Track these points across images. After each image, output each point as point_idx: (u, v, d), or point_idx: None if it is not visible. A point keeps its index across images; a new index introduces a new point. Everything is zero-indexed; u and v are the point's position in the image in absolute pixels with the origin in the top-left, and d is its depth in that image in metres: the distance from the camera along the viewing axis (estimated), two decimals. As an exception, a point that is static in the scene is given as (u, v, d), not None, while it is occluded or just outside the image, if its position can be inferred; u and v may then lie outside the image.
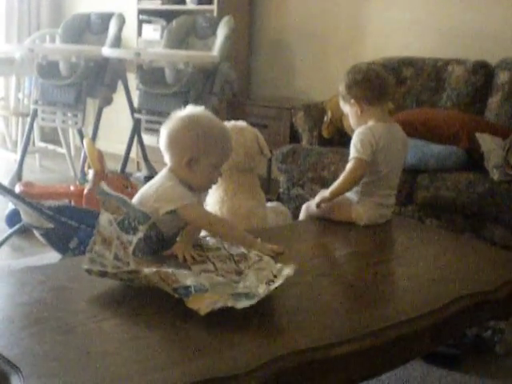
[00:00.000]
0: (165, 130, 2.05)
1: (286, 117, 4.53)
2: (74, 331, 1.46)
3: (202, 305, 1.54)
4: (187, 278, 1.64)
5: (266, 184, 4.72)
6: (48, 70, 4.94)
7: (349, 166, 2.48)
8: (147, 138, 5.11)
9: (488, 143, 3.42)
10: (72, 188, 4.03)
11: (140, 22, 5.56)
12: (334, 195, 2.50)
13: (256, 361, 1.37)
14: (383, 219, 2.54)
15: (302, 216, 2.69)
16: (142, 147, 5.20)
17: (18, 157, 5.11)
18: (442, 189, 3.31)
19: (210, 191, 3.04)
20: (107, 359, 1.36)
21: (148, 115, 4.64)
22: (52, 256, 3.05)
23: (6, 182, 4.36)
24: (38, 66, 4.95)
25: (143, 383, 1.27)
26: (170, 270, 1.68)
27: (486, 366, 2.47)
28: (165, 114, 4.37)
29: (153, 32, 5.47)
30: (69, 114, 4.93)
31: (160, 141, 2.07)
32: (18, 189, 3.79)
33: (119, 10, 5.23)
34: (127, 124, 5.07)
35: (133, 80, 4.89)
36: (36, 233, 3.07)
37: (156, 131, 4.61)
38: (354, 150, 2.47)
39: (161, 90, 4.57)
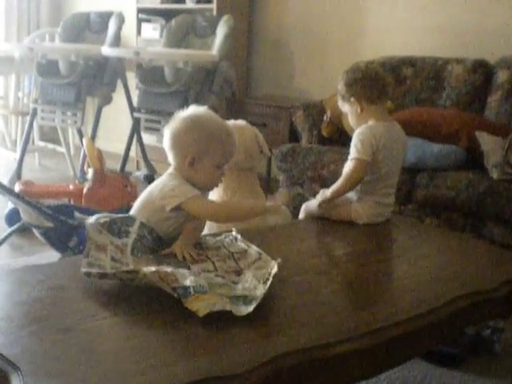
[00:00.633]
0: (168, 131, 2.07)
1: (286, 116, 4.53)
2: (74, 330, 1.46)
3: (201, 306, 1.54)
4: (186, 278, 1.64)
5: (266, 183, 4.72)
6: (47, 68, 4.94)
7: (350, 166, 2.48)
8: (147, 137, 5.11)
9: (488, 142, 3.42)
10: (71, 187, 4.04)
11: (139, 21, 5.57)
12: (335, 195, 2.50)
13: (255, 359, 1.37)
14: (382, 218, 2.54)
15: (301, 215, 2.69)
16: (141, 146, 5.20)
17: (17, 156, 5.11)
18: (441, 188, 3.31)
19: (210, 190, 3.05)
20: (106, 358, 1.36)
21: (147, 114, 4.65)
22: (51, 255, 3.05)
23: (5, 181, 4.37)
24: (37, 65, 4.95)
25: (142, 382, 1.27)
26: (169, 270, 1.68)
27: (485, 365, 2.47)
28: (164, 113, 4.43)
29: (152, 31, 5.47)
30: (68, 113, 4.93)
31: (164, 141, 2.08)
32: (17, 188, 3.79)
33: (118, 9, 5.23)
34: (127, 123, 5.07)
35: (132, 79, 4.90)
36: (35, 232, 3.07)
37: (155, 130, 4.62)
38: (354, 151, 2.47)
39: (160, 88, 4.57)
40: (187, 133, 2.04)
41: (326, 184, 2.75)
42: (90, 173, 3.88)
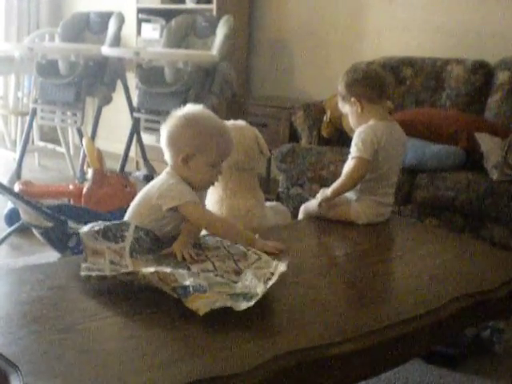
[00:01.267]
0: (164, 129, 2.08)
1: (286, 116, 4.53)
2: (73, 330, 1.46)
3: (201, 305, 1.54)
4: (186, 278, 1.64)
5: (266, 183, 4.72)
6: (47, 68, 4.94)
7: (351, 165, 2.48)
8: (146, 137, 5.11)
9: (487, 143, 3.42)
10: (71, 187, 4.03)
11: (139, 21, 5.56)
12: (336, 194, 2.50)
13: (255, 360, 1.37)
14: (382, 218, 2.54)
15: (300, 216, 2.69)
16: (141, 146, 5.20)
17: (17, 156, 5.11)
18: (441, 188, 3.31)
19: (210, 190, 3.04)
20: (106, 358, 1.36)
21: (147, 114, 4.64)
22: (51, 255, 3.05)
23: (5, 181, 4.37)
24: (37, 65, 4.95)
25: (142, 382, 1.27)
26: (168, 270, 1.68)
27: (485, 365, 2.47)
28: (164, 113, 4.41)
29: (152, 31, 5.47)
30: (68, 113, 4.93)
31: (160, 140, 2.09)
32: (17, 188, 3.79)
33: (118, 9, 5.22)
34: (126, 123, 5.06)
35: (132, 79, 4.90)
36: (35, 232, 3.07)
37: (155, 130, 4.61)
38: (355, 149, 2.47)
39: (160, 89, 4.56)
40: (182, 131, 2.05)
41: (325, 184, 2.75)
42: (89, 173, 3.88)
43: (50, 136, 6.21)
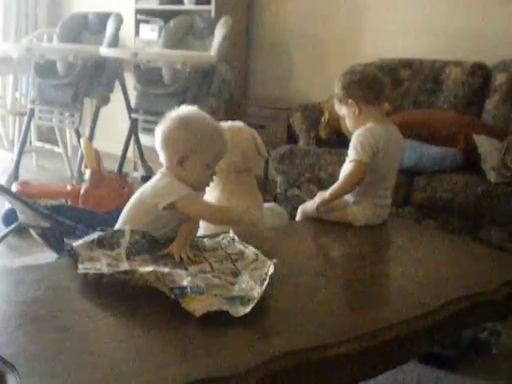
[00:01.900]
0: (158, 131, 2.09)
1: (284, 117, 4.53)
2: (70, 330, 1.46)
3: (198, 306, 1.54)
4: (183, 279, 1.64)
5: (263, 185, 4.71)
6: (45, 69, 4.94)
7: (349, 168, 2.47)
8: (144, 138, 5.10)
9: (485, 145, 3.42)
10: (69, 187, 4.03)
11: (137, 22, 5.56)
12: (334, 197, 2.49)
13: (252, 361, 1.36)
14: (379, 220, 2.54)
15: (298, 217, 2.69)
16: (138, 147, 5.20)
17: (14, 156, 5.11)
18: (438, 190, 3.31)
19: (207, 192, 3.03)
20: (103, 359, 1.36)
21: (145, 115, 4.64)
22: (48, 255, 3.04)
23: (2, 181, 4.36)
24: (35, 66, 4.94)
25: (139, 383, 1.27)
26: (166, 270, 1.68)
27: (483, 367, 2.47)
28: (162, 114, 4.32)
29: (150, 32, 5.47)
30: (66, 114, 4.92)
31: (155, 141, 2.09)
32: (14, 188, 3.79)
33: (117, 10, 5.22)
34: (124, 124, 5.06)
35: (130, 80, 4.89)
36: (32, 232, 3.06)
37: (153, 131, 4.52)
38: (354, 152, 2.46)
39: (158, 90, 4.56)
40: (176, 131, 2.06)
41: (323, 186, 2.75)
42: (87, 173, 3.88)
43: (47, 136, 6.21)
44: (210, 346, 1.43)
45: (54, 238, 2.93)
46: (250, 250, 1.94)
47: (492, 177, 3.24)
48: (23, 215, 3.02)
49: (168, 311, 1.58)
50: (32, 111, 5.01)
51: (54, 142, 5.76)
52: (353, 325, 1.62)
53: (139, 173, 5.20)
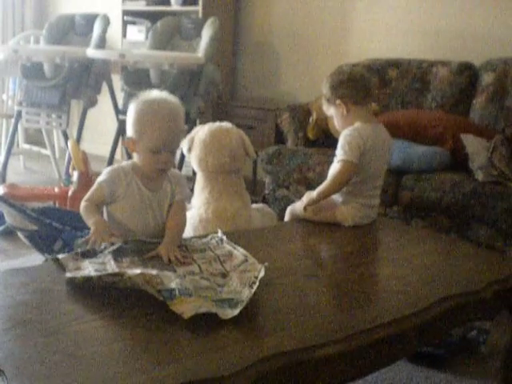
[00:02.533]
0: None
1: (271, 118, 4.54)
2: (58, 333, 1.45)
3: (186, 308, 1.53)
4: (172, 281, 1.64)
5: (252, 185, 4.72)
6: (32, 71, 4.92)
7: (337, 168, 2.47)
8: (132, 140, 5.08)
9: (472, 144, 3.44)
10: (56, 190, 4.02)
11: (124, 23, 5.55)
12: (322, 197, 2.50)
13: (242, 362, 1.36)
14: (368, 220, 2.54)
15: (287, 218, 2.69)
16: (126, 149, 5.18)
17: (2, 158, 5.09)
18: (426, 189, 3.32)
19: (196, 193, 3.04)
20: (91, 361, 1.35)
21: (133, 117, 4.62)
22: (36, 258, 3.03)
23: (-11, 184, 4.33)
24: (22, 67, 4.93)
25: (128, 385, 1.27)
26: (154, 272, 1.67)
27: (472, 366, 2.48)
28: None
29: (137, 33, 5.46)
30: (53, 116, 4.91)
31: None
32: (1, 191, 3.77)
33: (104, 11, 5.21)
34: (112, 125, 5.05)
35: (117, 81, 4.88)
36: (20, 235, 3.05)
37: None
38: (342, 152, 2.46)
39: (146, 91, 4.55)
40: (129, 115, 2.08)
41: (311, 186, 2.75)
42: (75, 175, 3.86)
43: (35, 139, 6.19)
44: (198, 348, 1.43)
45: (42, 241, 2.91)
46: (239, 251, 1.94)
47: (479, 176, 3.25)
48: (10, 218, 3.00)
49: (156, 313, 1.57)
50: (19, 113, 4.99)
51: (42, 144, 5.75)
52: (342, 325, 1.62)
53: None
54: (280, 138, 4.32)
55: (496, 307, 2.02)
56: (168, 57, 4.58)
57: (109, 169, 2.12)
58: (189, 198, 2.20)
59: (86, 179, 3.84)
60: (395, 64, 4.18)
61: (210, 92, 4.64)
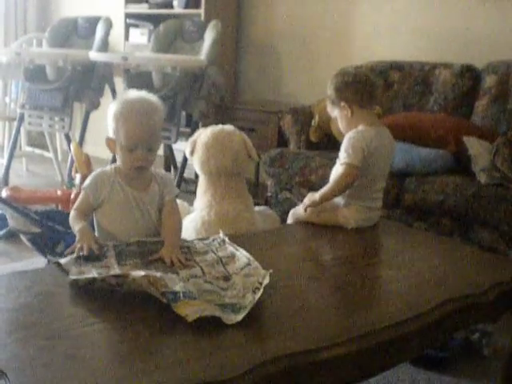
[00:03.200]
0: None
1: (274, 121, 4.53)
2: (61, 336, 1.45)
3: (190, 311, 1.53)
4: (176, 284, 1.64)
5: (254, 188, 4.72)
6: (35, 74, 4.93)
7: (340, 171, 2.46)
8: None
9: (475, 147, 3.43)
10: (59, 192, 4.01)
11: (127, 26, 5.56)
12: (324, 199, 2.49)
13: (244, 365, 1.36)
14: (370, 222, 2.54)
15: (289, 220, 2.68)
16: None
17: (4, 161, 5.09)
18: (429, 192, 3.31)
19: (198, 195, 3.04)
20: (94, 364, 1.35)
21: (135, 119, 4.63)
22: (39, 261, 3.04)
23: (-8, 187, 4.34)
24: (24, 70, 4.93)
25: (131, 388, 1.27)
26: (158, 275, 1.67)
27: (474, 368, 2.47)
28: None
29: (140, 36, 5.47)
30: (56, 119, 4.91)
31: None
32: (4, 193, 3.77)
33: (106, 14, 5.22)
34: (114, 128, 5.04)
35: (120, 84, 4.89)
36: (23, 238, 3.06)
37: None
38: (345, 155, 2.45)
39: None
40: (108, 115, 2.09)
41: (314, 189, 2.75)
42: (77, 178, 3.86)
43: (37, 141, 6.19)
44: (201, 351, 1.43)
45: (44, 244, 2.92)
46: (242, 253, 1.94)
47: (482, 178, 3.25)
48: (13, 221, 3.01)
49: (159, 316, 1.57)
50: (22, 116, 4.99)
51: (44, 147, 5.75)
52: (345, 327, 1.62)
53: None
54: (282, 141, 4.32)
55: (499, 310, 2.01)
56: (170, 60, 4.58)
57: (92, 174, 2.13)
58: (177, 195, 2.19)
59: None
60: (397, 66, 4.18)
61: (213, 95, 4.64)
